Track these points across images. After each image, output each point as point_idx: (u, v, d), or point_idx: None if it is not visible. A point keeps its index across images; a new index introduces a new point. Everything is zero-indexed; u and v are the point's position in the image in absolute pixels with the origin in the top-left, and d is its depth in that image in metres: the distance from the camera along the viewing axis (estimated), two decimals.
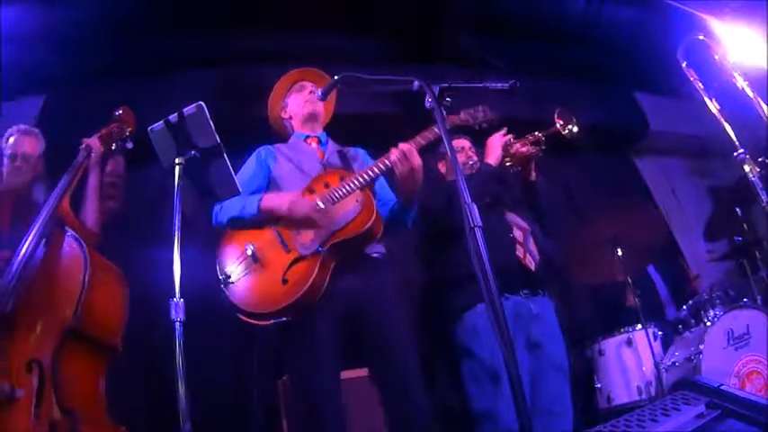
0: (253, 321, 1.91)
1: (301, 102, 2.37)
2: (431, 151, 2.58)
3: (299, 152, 2.28)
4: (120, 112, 2.33)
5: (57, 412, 1.60)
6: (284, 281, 1.91)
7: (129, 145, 2.29)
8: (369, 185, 2.05)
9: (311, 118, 2.36)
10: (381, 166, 2.04)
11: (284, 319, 1.87)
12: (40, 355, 1.67)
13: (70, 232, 1.92)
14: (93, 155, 2.19)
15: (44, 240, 1.88)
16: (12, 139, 2.33)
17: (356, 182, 2.02)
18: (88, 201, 2.20)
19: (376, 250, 2.11)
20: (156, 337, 2.38)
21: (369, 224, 1.94)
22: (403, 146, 2.01)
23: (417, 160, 2.00)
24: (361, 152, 2.38)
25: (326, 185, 2.06)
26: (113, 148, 2.28)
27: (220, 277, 1.97)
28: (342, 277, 1.95)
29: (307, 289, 1.86)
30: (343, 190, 2.01)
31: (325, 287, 1.91)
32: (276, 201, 2.04)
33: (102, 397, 1.83)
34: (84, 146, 2.19)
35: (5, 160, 2.31)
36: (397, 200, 2.17)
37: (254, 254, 1.97)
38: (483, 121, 2.25)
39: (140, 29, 3.26)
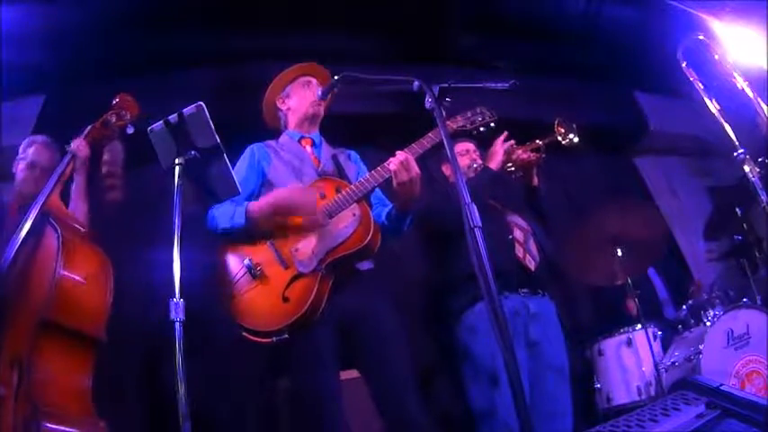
0: (254, 339, 1.88)
1: (308, 100, 2.30)
2: (434, 154, 2.58)
3: (294, 156, 2.22)
4: (117, 100, 2.29)
5: (28, 409, 1.58)
6: (285, 299, 1.88)
7: (130, 130, 2.26)
8: (365, 197, 2.02)
9: (312, 120, 2.31)
10: (378, 177, 1.99)
11: (285, 336, 1.84)
12: (21, 350, 1.66)
13: (51, 221, 1.89)
14: (78, 158, 2.18)
15: (32, 237, 1.86)
16: (32, 149, 2.37)
17: (353, 194, 1.97)
18: (73, 202, 2.20)
19: (365, 266, 2.08)
20: (156, 336, 2.37)
21: (367, 240, 1.91)
22: (401, 155, 1.97)
23: (416, 170, 1.96)
24: (353, 154, 2.35)
25: (323, 196, 2.02)
26: (115, 134, 2.26)
27: (221, 295, 1.96)
28: (338, 293, 1.93)
29: (308, 307, 1.85)
30: (341, 203, 1.97)
31: (324, 304, 1.90)
32: (271, 196, 2.00)
33: (84, 392, 1.79)
34: (68, 150, 2.19)
35: (21, 166, 2.35)
36: (393, 207, 2.11)
37: (251, 270, 1.94)
38: (482, 125, 2.20)
39: (140, 28, 3.26)
